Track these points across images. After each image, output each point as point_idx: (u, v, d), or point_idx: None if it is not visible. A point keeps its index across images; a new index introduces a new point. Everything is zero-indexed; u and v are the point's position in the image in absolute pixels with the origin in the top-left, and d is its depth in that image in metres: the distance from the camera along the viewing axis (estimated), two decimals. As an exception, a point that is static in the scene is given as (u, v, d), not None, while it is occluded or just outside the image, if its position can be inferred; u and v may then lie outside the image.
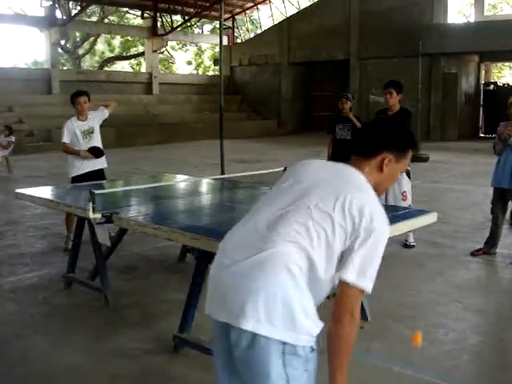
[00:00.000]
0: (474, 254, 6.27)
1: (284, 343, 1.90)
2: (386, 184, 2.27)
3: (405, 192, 6.39)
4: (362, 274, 1.98)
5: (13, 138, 14.00)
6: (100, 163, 6.85)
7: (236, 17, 32.77)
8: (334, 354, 2.09)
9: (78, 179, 6.55)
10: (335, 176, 2.18)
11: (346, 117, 7.60)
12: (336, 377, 2.10)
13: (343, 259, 2.00)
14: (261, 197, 2.58)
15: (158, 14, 28.27)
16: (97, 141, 6.84)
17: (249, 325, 1.87)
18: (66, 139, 6.68)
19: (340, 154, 7.61)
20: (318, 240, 1.98)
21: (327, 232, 1.98)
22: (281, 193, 2.17)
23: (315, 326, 2.00)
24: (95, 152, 6.71)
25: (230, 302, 1.94)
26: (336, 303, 2.02)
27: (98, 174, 6.72)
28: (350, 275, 1.97)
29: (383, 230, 2.03)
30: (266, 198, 2.25)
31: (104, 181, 6.52)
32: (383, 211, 2.07)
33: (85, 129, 6.72)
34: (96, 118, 6.87)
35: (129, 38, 37.46)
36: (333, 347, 2.07)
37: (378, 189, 2.20)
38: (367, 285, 2.01)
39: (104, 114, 6.99)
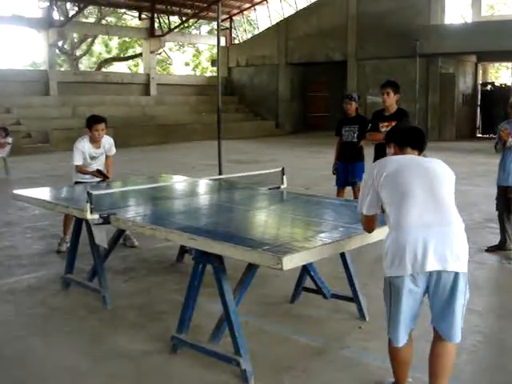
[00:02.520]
0: (488, 250, 6.46)
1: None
2: None
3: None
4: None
5: (9, 140, 13.89)
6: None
7: (233, 17, 32.76)
8: None
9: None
10: None
11: (352, 118, 7.54)
12: None
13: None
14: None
15: (156, 15, 28.24)
16: (101, 161, 6.69)
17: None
18: (78, 161, 6.43)
19: (347, 155, 7.57)
20: None
21: None
22: None
23: None
24: (103, 175, 6.55)
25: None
26: None
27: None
28: None
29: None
30: None
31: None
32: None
33: (95, 155, 6.56)
34: (107, 146, 6.65)
35: (126, 39, 37.41)
36: None
37: None
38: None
39: (111, 150, 6.74)
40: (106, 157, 6.75)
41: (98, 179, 6.53)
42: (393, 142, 3.38)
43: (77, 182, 6.54)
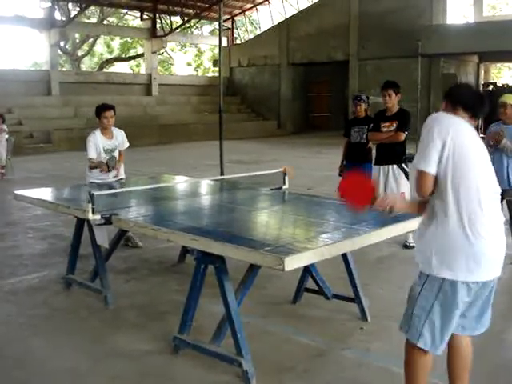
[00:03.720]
0: None
1: None
2: None
3: (403, 193, 6.39)
4: None
5: (5, 126, 13.58)
6: (119, 174, 6.61)
7: (235, 18, 32.77)
8: None
9: None
10: None
11: (361, 119, 7.46)
12: None
13: None
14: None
15: (157, 16, 28.26)
16: (115, 156, 6.56)
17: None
18: (93, 155, 6.32)
19: (355, 156, 7.52)
20: None
21: None
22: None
23: None
24: (110, 163, 6.39)
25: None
26: None
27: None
28: None
29: None
30: None
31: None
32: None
33: (109, 147, 6.47)
34: (119, 138, 6.59)
35: (128, 39, 37.47)
36: None
37: None
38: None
39: (124, 143, 6.67)
40: (119, 153, 6.63)
41: (111, 179, 6.41)
42: (447, 98, 2.99)
43: (91, 183, 6.39)
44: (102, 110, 6.43)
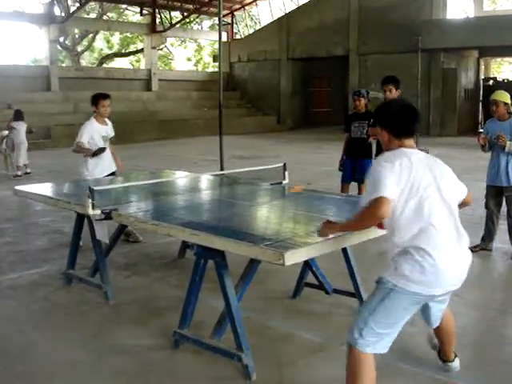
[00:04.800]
0: (471, 250, 6.24)
1: None
2: None
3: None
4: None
5: (13, 124, 13.63)
6: (109, 167, 6.69)
7: (235, 13, 32.70)
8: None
9: None
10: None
11: (362, 114, 7.43)
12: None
13: None
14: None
15: (157, 11, 28.23)
16: (108, 146, 6.69)
17: None
18: (84, 139, 6.38)
19: (355, 151, 7.50)
20: None
21: None
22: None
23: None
24: (98, 152, 6.44)
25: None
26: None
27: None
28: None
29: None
30: None
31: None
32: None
33: (104, 134, 6.55)
34: (109, 125, 6.70)
35: (128, 34, 37.42)
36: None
37: None
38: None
39: (112, 132, 6.75)
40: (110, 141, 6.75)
41: (106, 173, 6.51)
42: (385, 128, 3.06)
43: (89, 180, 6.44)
44: (100, 98, 6.54)
